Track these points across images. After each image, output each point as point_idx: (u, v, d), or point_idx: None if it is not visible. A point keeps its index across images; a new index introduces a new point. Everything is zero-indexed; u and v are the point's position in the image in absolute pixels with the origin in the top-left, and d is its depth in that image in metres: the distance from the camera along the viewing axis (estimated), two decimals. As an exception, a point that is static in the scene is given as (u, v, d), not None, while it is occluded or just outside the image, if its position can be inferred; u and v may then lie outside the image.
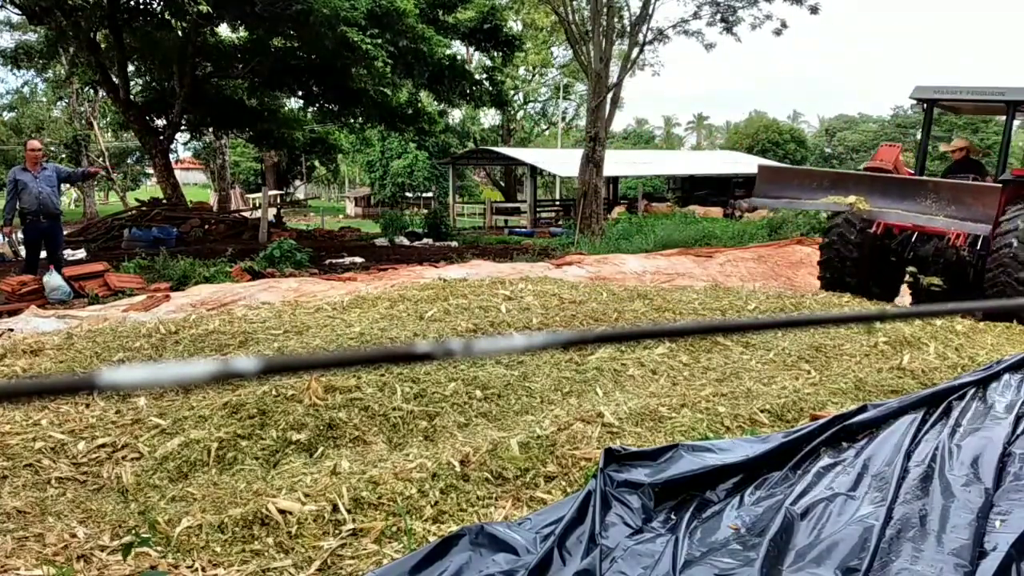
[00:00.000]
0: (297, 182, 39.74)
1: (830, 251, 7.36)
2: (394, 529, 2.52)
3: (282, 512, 2.54)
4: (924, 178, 6.45)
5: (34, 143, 8.49)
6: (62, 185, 8.32)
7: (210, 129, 21.17)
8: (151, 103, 17.51)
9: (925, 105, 7.48)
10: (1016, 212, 6.37)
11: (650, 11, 18.32)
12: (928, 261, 7.03)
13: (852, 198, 6.31)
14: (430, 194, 35.27)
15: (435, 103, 19.61)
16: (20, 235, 8.93)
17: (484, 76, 18.25)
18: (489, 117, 38.76)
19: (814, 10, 18.89)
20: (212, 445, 3.15)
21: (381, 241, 16.10)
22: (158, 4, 13.95)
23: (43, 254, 8.37)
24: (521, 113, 39.26)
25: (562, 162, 24.37)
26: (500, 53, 17.80)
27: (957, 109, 8.81)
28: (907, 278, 7.19)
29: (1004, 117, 7.16)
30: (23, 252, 8.98)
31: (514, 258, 11.68)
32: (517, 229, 22.42)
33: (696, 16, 19.75)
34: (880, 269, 7.37)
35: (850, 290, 7.19)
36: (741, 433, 3.37)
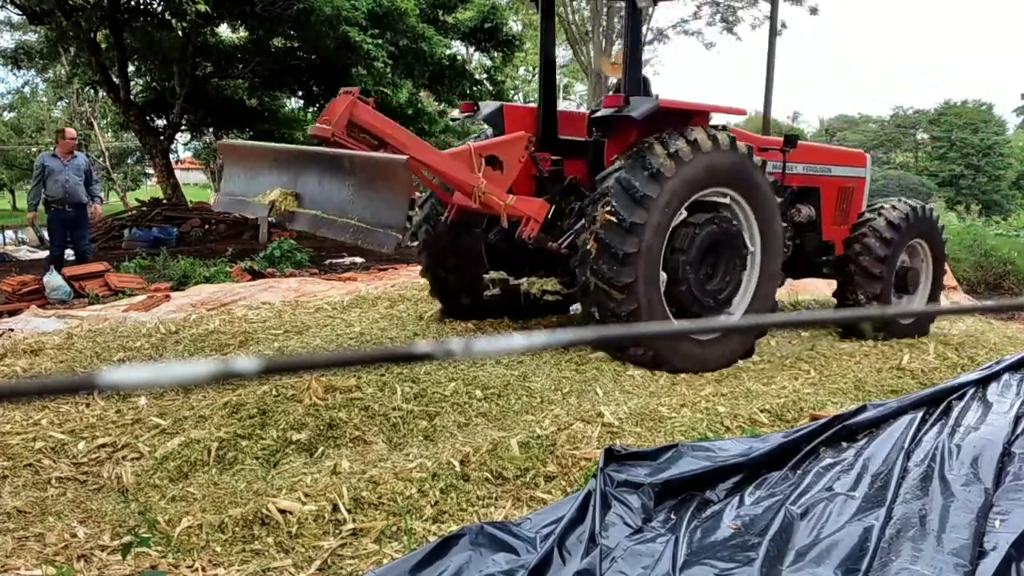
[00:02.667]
0: (297, 182, 39.69)
1: (424, 249, 5.27)
2: (394, 529, 2.52)
3: (282, 512, 2.54)
4: (340, 152, 3.92)
5: (71, 131, 8.46)
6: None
7: (210, 129, 21.17)
8: (151, 103, 17.51)
9: None
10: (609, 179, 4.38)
11: (650, 11, 18.33)
12: (534, 256, 5.03)
13: (275, 192, 3.96)
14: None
15: (435, 103, 19.62)
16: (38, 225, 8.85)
17: (484, 76, 18.25)
18: (489, 117, 38.58)
19: (814, 11, 18.90)
20: (212, 445, 3.15)
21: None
22: (158, 4, 13.95)
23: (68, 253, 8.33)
24: (521, 113, 39.16)
25: (562, 162, 24.28)
26: (500, 53, 17.81)
27: None
28: (491, 287, 5.17)
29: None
30: (47, 238, 8.91)
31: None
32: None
33: (696, 16, 19.76)
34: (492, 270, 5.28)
35: (448, 296, 5.34)
36: (741, 433, 3.38)
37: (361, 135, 4.21)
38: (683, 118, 4.67)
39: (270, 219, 4.41)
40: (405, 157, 3.78)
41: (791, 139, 5.52)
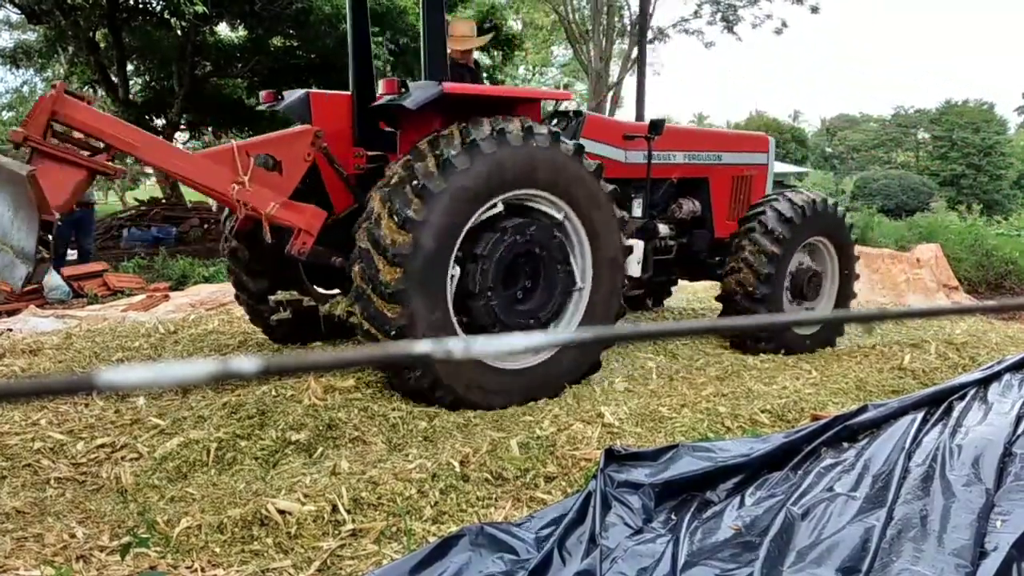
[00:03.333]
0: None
1: (232, 265, 4.62)
2: (394, 529, 2.52)
3: (281, 512, 2.54)
4: None
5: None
6: None
7: (209, 128, 21.15)
8: (150, 102, 17.49)
9: None
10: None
11: (650, 10, 18.33)
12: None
13: None
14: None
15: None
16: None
17: (484, 75, 18.23)
18: (489, 116, 38.60)
19: (814, 10, 18.91)
20: (211, 445, 3.14)
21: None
22: (157, 3, 13.94)
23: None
24: (521, 112, 39.21)
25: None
26: (500, 52, 17.79)
27: None
28: (281, 309, 4.45)
29: None
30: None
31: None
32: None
33: (696, 15, 19.77)
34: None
35: (261, 317, 4.63)
36: (742, 433, 3.37)
37: (80, 137, 3.59)
38: (498, 106, 3.89)
39: None
40: (28, 168, 3.11)
41: (656, 124, 4.80)
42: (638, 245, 4.58)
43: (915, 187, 32.63)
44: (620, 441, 3.14)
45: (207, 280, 8.51)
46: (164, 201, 15.88)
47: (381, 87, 3.89)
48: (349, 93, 4.33)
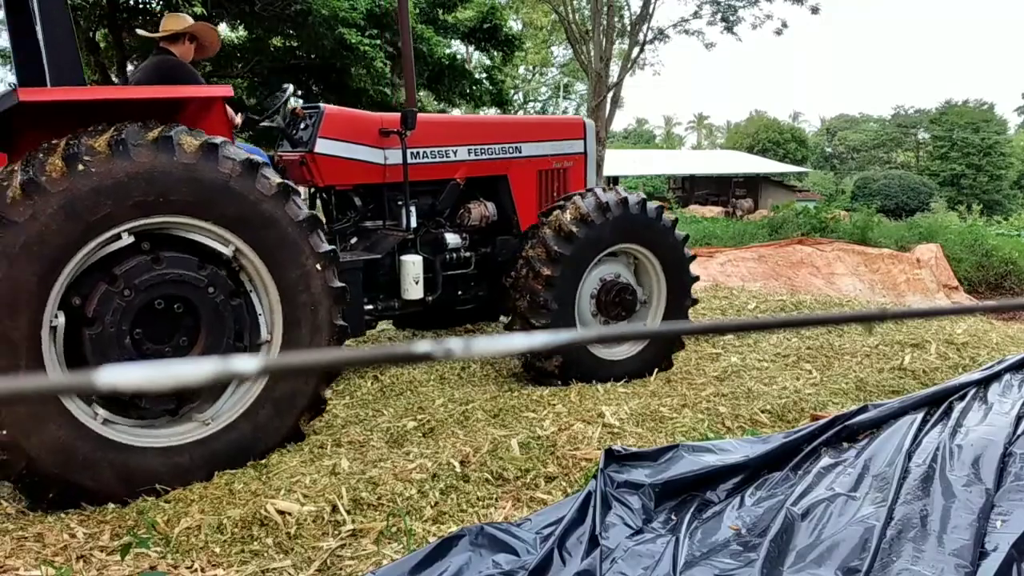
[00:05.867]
0: (297, 182, 39.76)
1: None
2: (394, 530, 2.52)
3: (281, 513, 2.54)
4: None
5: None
6: None
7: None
8: (151, 103, 17.51)
9: None
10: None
11: (650, 10, 18.35)
12: None
13: None
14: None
15: (435, 102, 19.62)
16: None
17: (484, 75, 18.25)
18: (489, 117, 38.73)
19: (815, 10, 18.92)
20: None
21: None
22: (157, 4, 13.95)
23: None
24: (521, 112, 39.35)
25: (561, 162, 24.32)
26: (500, 52, 17.80)
27: None
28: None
29: None
30: None
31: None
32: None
33: (696, 15, 19.78)
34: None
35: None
36: (742, 433, 3.37)
37: None
38: (139, 110, 2.97)
39: None
40: None
41: (407, 116, 3.94)
42: (414, 261, 3.97)
43: (915, 187, 32.67)
44: (620, 441, 3.14)
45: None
46: (164, 201, 15.88)
47: None
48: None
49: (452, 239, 4.29)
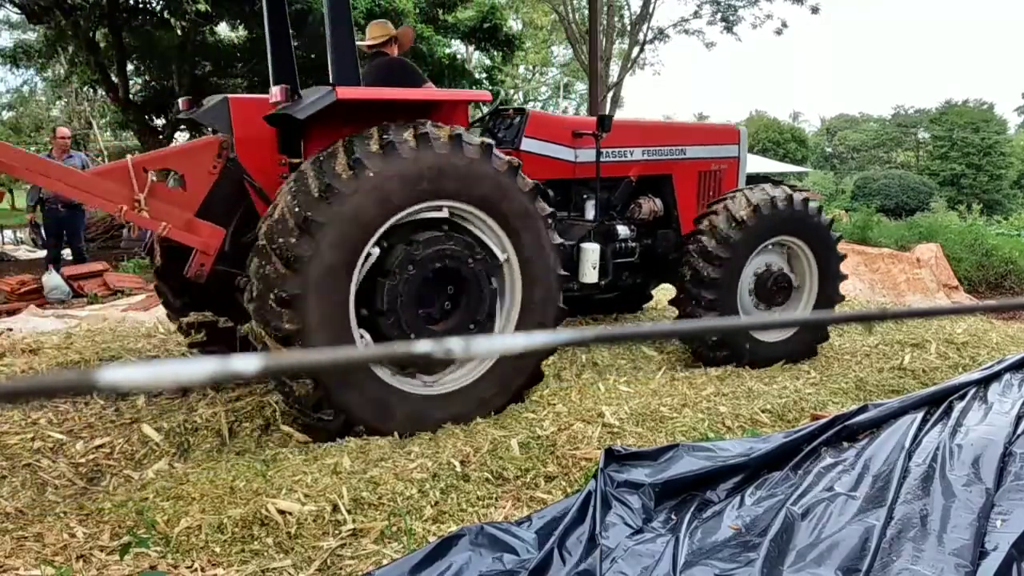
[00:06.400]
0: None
1: (158, 280, 4.25)
2: (394, 529, 2.52)
3: (282, 512, 2.54)
4: None
5: (64, 130, 8.50)
6: None
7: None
8: (150, 102, 17.49)
9: None
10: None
11: (650, 10, 18.35)
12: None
13: None
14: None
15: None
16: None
17: (484, 75, 18.24)
18: (489, 116, 38.60)
19: (815, 10, 18.91)
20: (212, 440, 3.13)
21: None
22: (157, 3, 13.94)
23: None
24: (521, 112, 39.23)
25: (561, 161, 24.26)
26: (500, 52, 17.79)
27: None
28: (192, 332, 4.16)
29: None
30: (40, 237, 8.98)
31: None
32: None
33: (696, 15, 19.77)
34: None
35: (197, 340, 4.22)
36: (742, 433, 3.37)
37: None
38: (415, 110, 3.57)
39: None
40: None
41: (603, 120, 4.48)
42: (593, 249, 4.36)
43: (915, 187, 32.65)
44: (620, 441, 3.14)
45: (207, 280, 8.50)
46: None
47: (275, 94, 3.44)
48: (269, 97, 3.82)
49: (623, 230, 4.74)
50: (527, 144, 4.38)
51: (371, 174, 3.19)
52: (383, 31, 4.46)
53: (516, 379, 3.67)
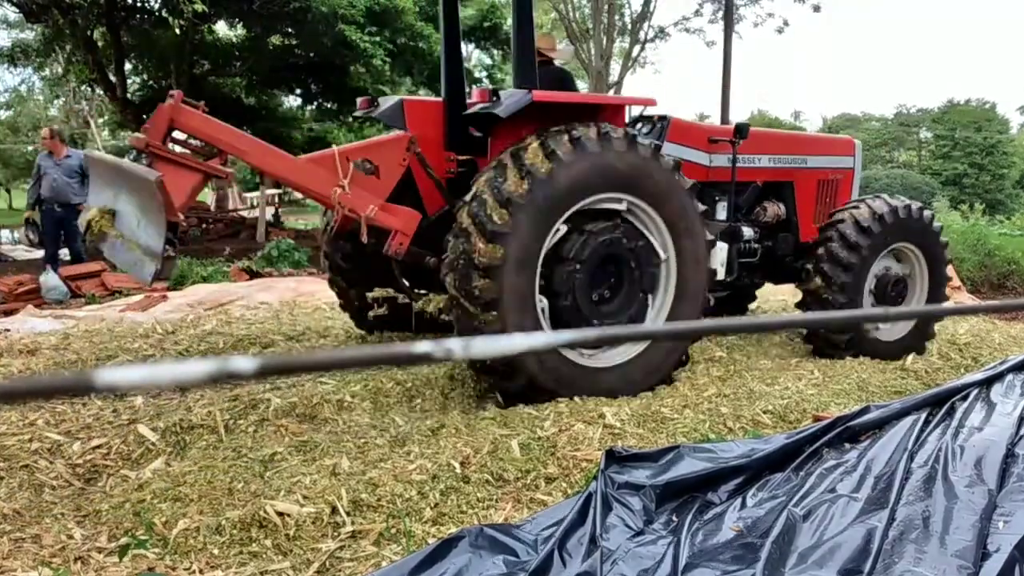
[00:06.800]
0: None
1: (328, 262, 4.88)
2: (393, 531, 2.50)
3: (280, 514, 2.52)
4: (120, 163, 3.71)
5: (44, 130, 8.50)
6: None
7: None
8: (148, 101, 17.45)
9: None
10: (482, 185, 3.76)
11: (651, 8, 18.33)
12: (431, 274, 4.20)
13: (93, 211, 3.68)
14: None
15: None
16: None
17: (484, 74, 18.22)
18: (488, 116, 38.58)
19: (816, 8, 18.90)
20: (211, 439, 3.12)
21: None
22: (155, 2, 13.92)
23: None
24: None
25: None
26: (500, 51, 17.78)
27: None
28: (376, 306, 4.77)
29: None
30: (36, 237, 8.98)
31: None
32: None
33: (698, 13, 19.77)
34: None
35: (355, 311, 4.90)
36: (744, 434, 3.36)
37: (202, 144, 3.80)
38: (585, 112, 4.06)
39: (87, 240, 3.68)
40: (156, 174, 3.36)
41: (741, 128, 4.85)
42: (723, 248, 4.66)
43: (917, 186, 32.64)
44: (621, 442, 3.12)
45: (205, 280, 8.49)
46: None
47: (474, 95, 4.11)
48: (440, 100, 4.60)
49: (748, 232, 5.09)
50: (668, 148, 4.63)
51: (562, 165, 3.69)
52: (549, 43, 5.07)
53: (667, 361, 4.16)
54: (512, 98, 3.84)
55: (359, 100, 4.61)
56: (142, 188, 3.33)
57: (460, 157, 4.43)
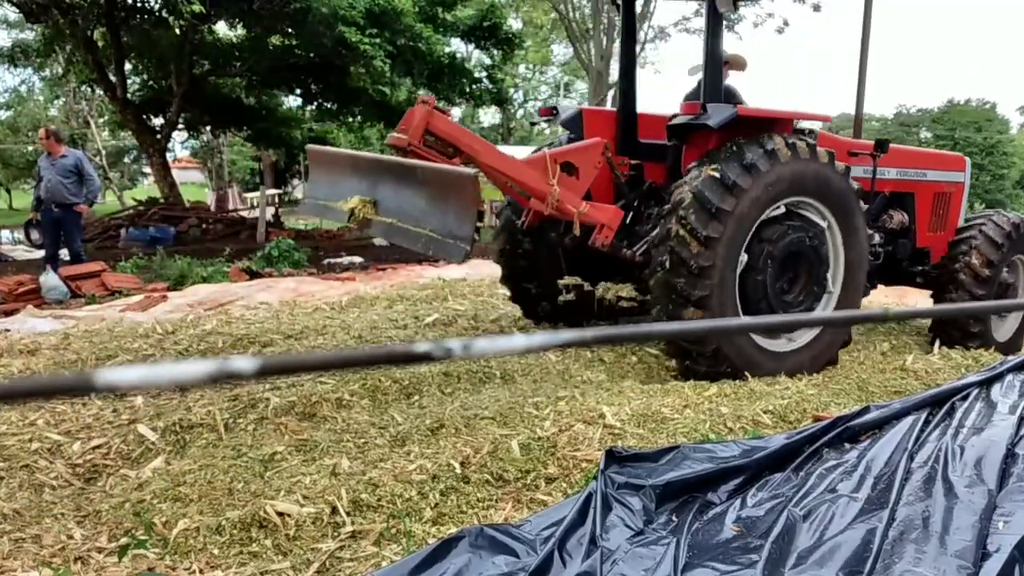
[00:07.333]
0: (295, 181, 39.68)
1: (502, 256, 5.42)
2: (393, 531, 2.50)
3: (280, 514, 2.52)
4: (414, 162, 3.96)
5: (40, 130, 8.50)
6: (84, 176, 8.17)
7: (207, 128, 21.12)
8: (148, 102, 17.47)
9: None
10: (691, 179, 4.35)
11: (651, 8, 18.33)
12: (610, 262, 4.90)
13: (355, 200, 4.00)
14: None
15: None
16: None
17: (484, 74, 18.22)
18: (489, 116, 38.75)
19: (816, 8, 18.91)
20: (211, 438, 3.12)
21: (380, 241, 16.01)
22: (155, 2, 13.91)
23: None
24: (521, 111, 39.28)
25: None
26: (500, 51, 17.76)
27: None
28: (565, 292, 5.32)
29: None
30: (34, 237, 9.01)
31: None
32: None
33: (698, 13, 19.75)
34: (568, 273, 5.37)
35: (528, 301, 5.49)
36: (744, 434, 3.35)
37: (436, 143, 4.21)
38: (762, 125, 4.56)
39: (350, 225, 4.11)
40: (474, 171, 3.84)
41: (882, 144, 5.37)
42: None
43: (915, 187, 32.62)
44: (621, 442, 3.12)
45: (205, 280, 8.49)
46: (162, 201, 15.85)
47: (681, 109, 4.87)
48: (613, 110, 5.32)
49: (876, 237, 5.45)
50: None
51: (761, 175, 4.25)
52: (739, 63, 5.69)
53: (833, 344, 4.66)
54: (721, 112, 4.46)
55: (540, 108, 5.42)
56: (462, 183, 3.72)
57: (631, 161, 5.03)
